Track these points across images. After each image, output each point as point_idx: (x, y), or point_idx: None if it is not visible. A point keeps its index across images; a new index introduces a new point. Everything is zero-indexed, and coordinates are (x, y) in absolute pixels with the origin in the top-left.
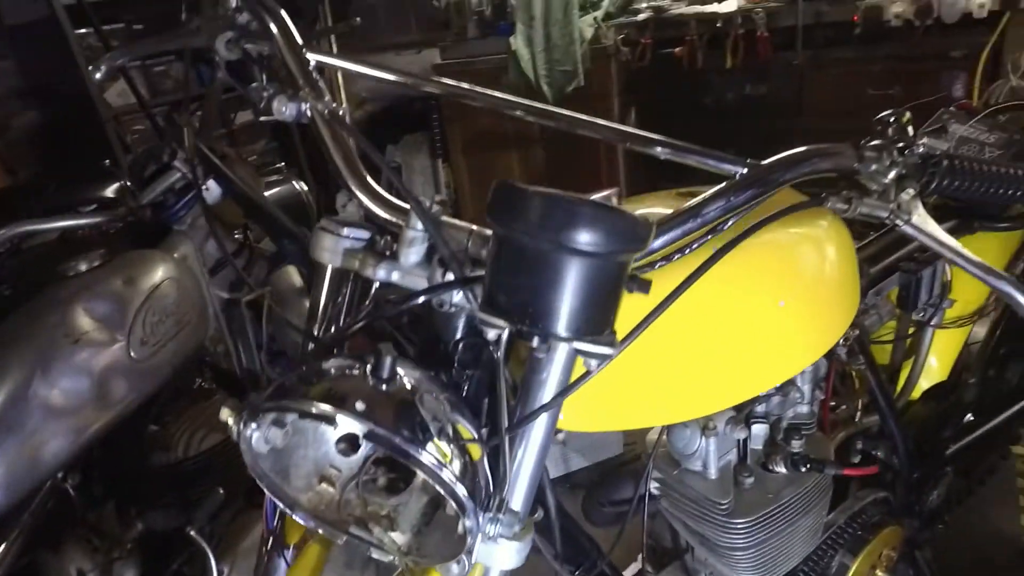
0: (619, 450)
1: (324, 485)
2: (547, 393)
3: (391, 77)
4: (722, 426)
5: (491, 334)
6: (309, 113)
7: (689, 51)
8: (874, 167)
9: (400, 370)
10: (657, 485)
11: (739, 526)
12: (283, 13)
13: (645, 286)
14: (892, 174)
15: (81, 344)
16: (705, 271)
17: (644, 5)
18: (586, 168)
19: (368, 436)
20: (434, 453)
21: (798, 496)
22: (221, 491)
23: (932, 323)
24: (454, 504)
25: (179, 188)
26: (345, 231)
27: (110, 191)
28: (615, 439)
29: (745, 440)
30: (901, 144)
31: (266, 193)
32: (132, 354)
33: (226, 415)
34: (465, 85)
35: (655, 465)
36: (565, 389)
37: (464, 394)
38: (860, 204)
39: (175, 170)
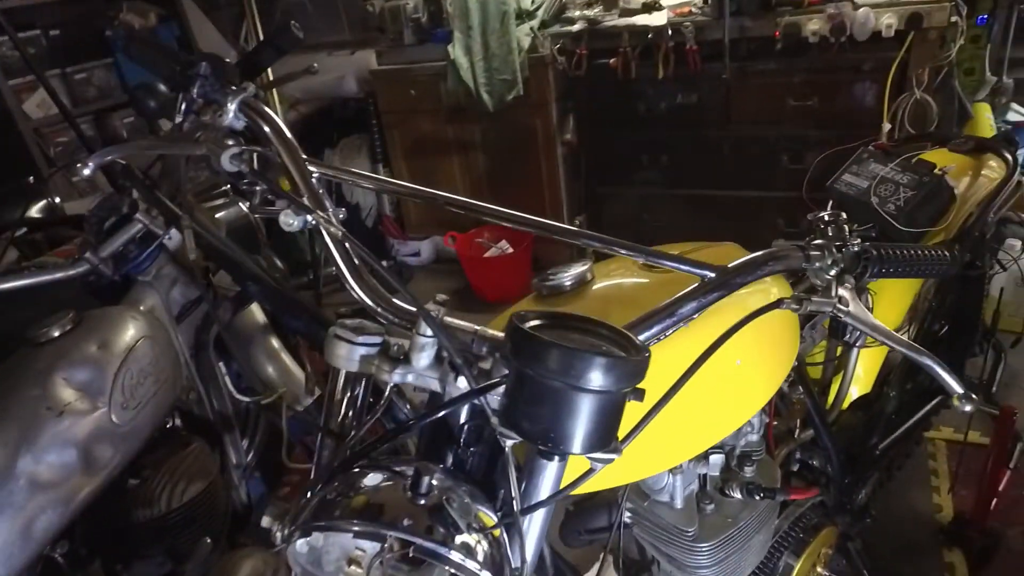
0: None
1: (352, 567)
2: (552, 478)
3: (395, 188)
4: (686, 464)
5: (508, 443)
6: (311, 223)
7: (623, 61)
8: (818, 264)
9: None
10: (629, 515)
11: (703, 549)
12: (281, 125)
13: (640, 395)
14: (834, 271)
15: (64, 416)
16: (694, 373)
17: (578, 15)
18: (526, 175)
19: (416, 550)
20: (463, 548)
21: (753, 518)
22: (208, 540)
23: (857, 344)
24: None
25: (140, 239)
26: (360, 339)
27: (35, 210)
28: None
29: (705, 472)
30: (839, 243)
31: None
32: (114, 419)
33: (268, 523)
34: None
35: (627, 498)
36: (575, 481)
37: (468, 467)
38: (809, 304)
39: (136, 222)
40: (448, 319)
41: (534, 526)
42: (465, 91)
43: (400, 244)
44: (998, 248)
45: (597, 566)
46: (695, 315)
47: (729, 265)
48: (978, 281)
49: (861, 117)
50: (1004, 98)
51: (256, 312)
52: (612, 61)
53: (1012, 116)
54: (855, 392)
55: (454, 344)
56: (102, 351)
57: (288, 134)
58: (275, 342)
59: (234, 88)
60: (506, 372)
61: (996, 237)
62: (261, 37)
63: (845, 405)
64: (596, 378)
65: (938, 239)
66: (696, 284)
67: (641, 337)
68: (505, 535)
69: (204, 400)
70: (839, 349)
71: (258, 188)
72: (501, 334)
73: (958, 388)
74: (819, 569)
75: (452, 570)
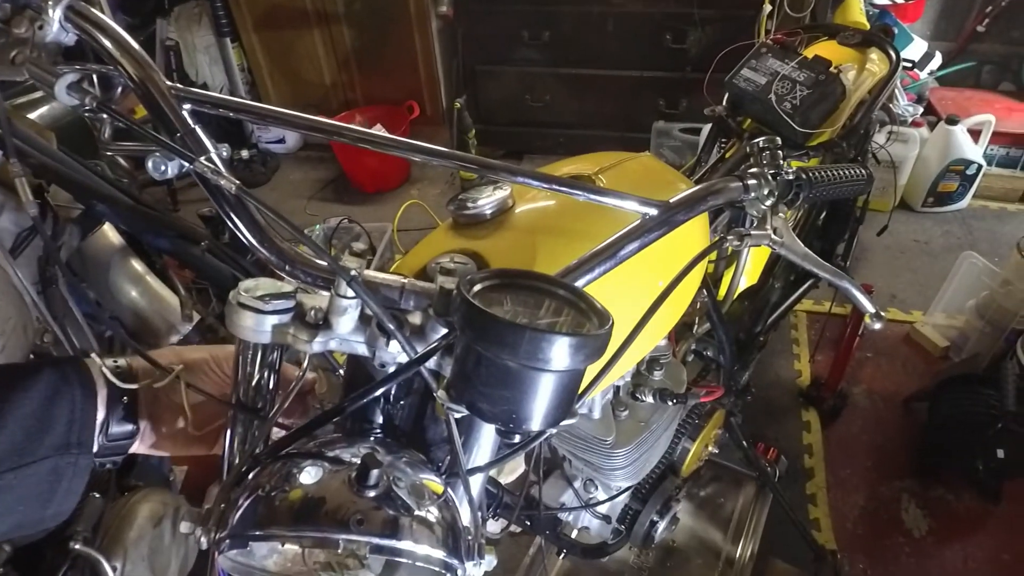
0: None
1: (287, 545)
2: (491, 434)
3: (294, 116)
4: None
5: (455, 415)
6: (190, 169)
7: None
8: (754, 195)
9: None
10: None
11: (619, 454)
12: (127, 37)
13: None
14: (770, 201)
15: None
16: (648, 320)
17: None
18: (399, 52)
19: (373, 550)
20: (421, 526)
21: (663, 419)
22: (98, 495)
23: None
24: (446, 572)
25: None
26: (269, 306)
27: None
28: None
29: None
30: (774, 171)
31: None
32: None
33: (188, 527)
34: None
35: None
36: (520, 446)
37: (398, 422)
38: (749, 239)
39: None
40: (369, 272)
41: (477, 481)
42: None
43: (262, 130)
44: (871, 138)
45: (518, 471)
46: (636, 253)
47: (671, 201)
48: None
49: None
50: None
51: (109, 232)
52: None
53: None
54: (743, 284)
55: (381, 304)
56: None
57: (139, 49)
58: (137, 265)
59: None
60: (443, 331)
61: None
62: None
63: (734, 296)
64: (564, 358)
65: (825, 136)
66: (636, 223)
67: (583, 280)
68: (453, 495)
69: (63, 340)
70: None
71: (107, 119)
72: (430, 285)
73: (871, 308)
74: (710, 448)
75: (416, 563)
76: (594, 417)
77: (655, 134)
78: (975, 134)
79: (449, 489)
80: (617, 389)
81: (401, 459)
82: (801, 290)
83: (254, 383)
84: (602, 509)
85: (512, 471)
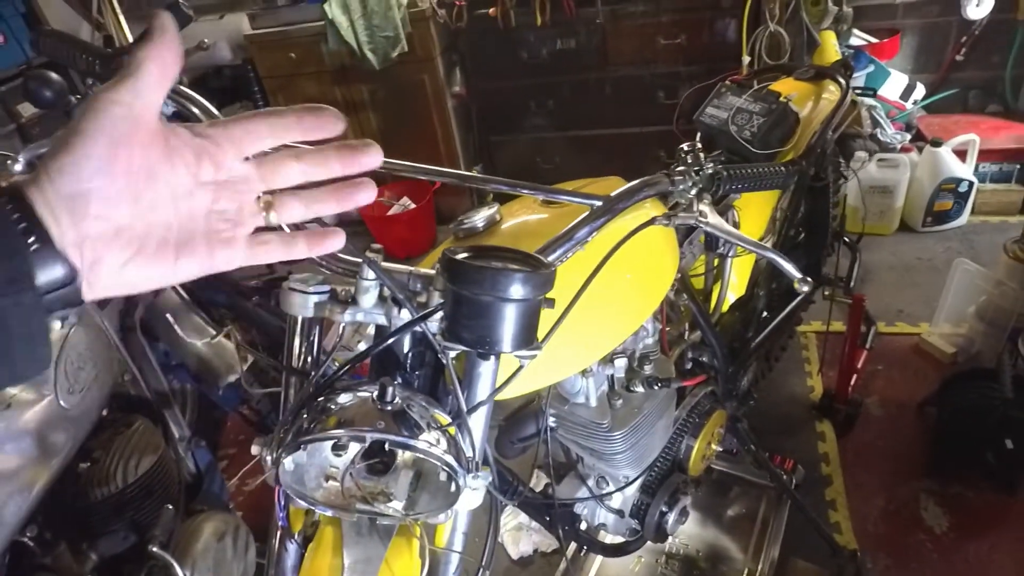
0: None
1: (330, 482)
2: (488, 379)
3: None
4: (596, 367)
5: (452, 353)
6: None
7: (502, 10)
8: (681, 186)
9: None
10: (553, 419)
11: (617, 437)
12: (212, 108)
13: (551, 303)
14: (693, 191)
15: (13, 407)
16: (592, 280)
17: None
18: (420, 130)
19: (392, 444)
20: (428, 440)
21: (654, 406)
22: (170, 507)
23: (730, 255)
24: (448, 471)
25: None
26: (312, 288)
27: None
28: None
29: (612, 373)
30: (696, 168)
31: None
32: (62, 403)
33: (257, 449)
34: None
35: (549, 405)
36: (509, 378)
37: (417, 387)
38: (676, 218)
39: None
40: (384, 263)
41: (479, 422)
42: (348, 51)
43: None
44: (839, 161)
45: (533, 464)
46: (589, 238)
47: (612, 194)
48: (823, 191)
49: (725, 51)
50: (845, 25)
51: (175, 290)
52: (491, 10)
53: (854, 40)
54: (732, 296)
55: (394, 283)
56: None
57: (216, 113)
58: (198, 318)
59: None
60: (440, 302)
61: (844, 152)
62: (116, 8)
63: (725, 308)
64: (516, 290)
65: (788, 157)
66: (587, 212)
67: (547, 259)
68: (458, 433)
69: (139, 380)
70: (716, 261)
71: None
72: (431, 271)
73: (796, 274)
74: (713, 446)
75: (422, 456)
76: (591, 405)
77: None
78: (962, 154)
79: (457, 429)
80: (613, 384)
81: (416, 396)
82: (794, 303)
83: (301, 350)
84: (615, 504)
85: (516, 541)
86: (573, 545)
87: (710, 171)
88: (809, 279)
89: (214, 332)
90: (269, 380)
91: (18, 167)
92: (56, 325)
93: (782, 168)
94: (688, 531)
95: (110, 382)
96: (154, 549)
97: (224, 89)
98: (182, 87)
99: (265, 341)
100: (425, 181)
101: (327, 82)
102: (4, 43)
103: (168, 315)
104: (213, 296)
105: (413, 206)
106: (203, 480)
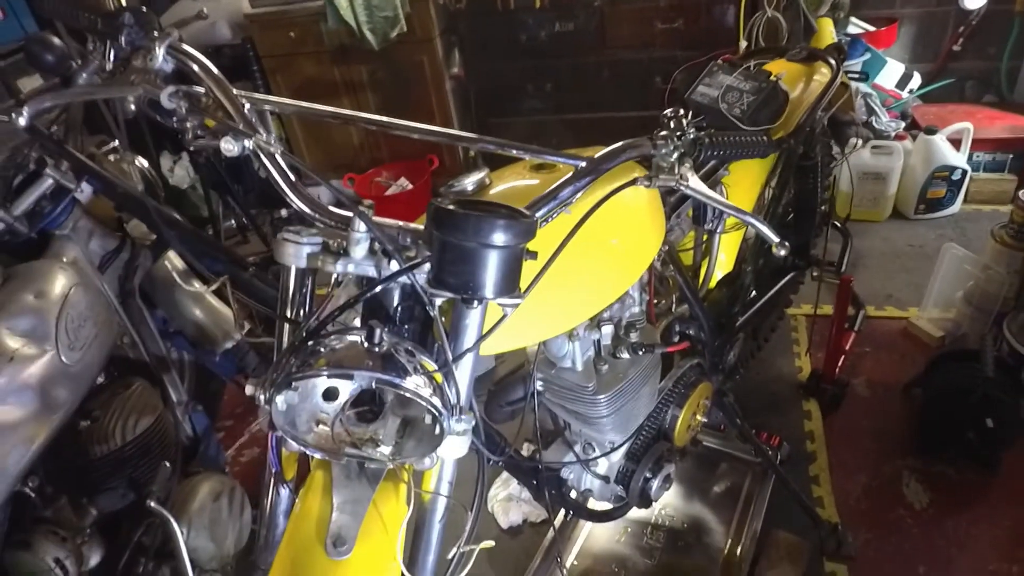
0: (492, 364)
1: (320, 427)
2: (474, 330)
3: (327, 111)
4: (582, 332)
5: (438, 301)
6: (251, 147)
7: None
8: (663, 151)
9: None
10: (541, 384)
11: (601, 400)
12: (208, 63)
13: (534, 255)
14: (675, 155)
15: (15, 361)
16: (574, 235)
17: None
18: (419, 111)
19: (378, 382)
20: (415, 384)
21: (638, 372)
22: (167, 464)
23: (718, 231)
24: (434, 412)
25: (51, 194)
26: (304, 239)
27: None
28: (487, 358)
29: (598, 339)
30: (679, 133)
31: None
32: (64, 359)
33: (251, 389)
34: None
35: (537, 369)
36: (494, 326)
37: (404, 332)
38: (657, 180)
39: (46, 177)
40: (375, 217)
41: (465, 370)
42: (347, 31)
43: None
44: (830, 143)
45: (519, 427)
46: (573, 198)
47: (596, 156)
48: (812, 170)
49: (722, 36)
50: (842, 12)
51: (173, 259)
52: None
53: (852, 28)
54: (720, 273)
55: (384, 235)
56: (40, 300)
57: (216, 71)
58: (197, 284)
59: (159, 34)
60: (428, 254)
61: (839, 138)
62: None
63: (713, 283)
64: (499, 237)
65: (777, 135)
66: (571, 172)
67: (536, 215)
68: (444, 380)
69: (138, 344)
70: (704, 236)
71: (189, 124)
72: (420, 226)
73: (774, 237)
74: (698, 417)
75: (408, 396)
76: (577, 369)
77: None
78: (956, 143)
79: (443, 376)
80: (599, 350)
81: (403, 342)
82: (783, 282)
83: (295, 299)
84: (600, 470)
85: (506, 511)
86: (561, 515)
87: (691, 136)
88: (787, 243)
89: (212, 299)
90: (265, 350)
91: (22, 120)
92: (60, 283)
93: (763, 137)
94: (674, 503)
95: (109, 343)
96: (152, 504)
97: (224, 68)
98: (182, 44)
99: (260, 312)
100: (423, 161)
101: (326, 62)
102: (3, 18)
103: (167, 281)
104: (212, 264)
105: (411, 186)
106: (200, 443)
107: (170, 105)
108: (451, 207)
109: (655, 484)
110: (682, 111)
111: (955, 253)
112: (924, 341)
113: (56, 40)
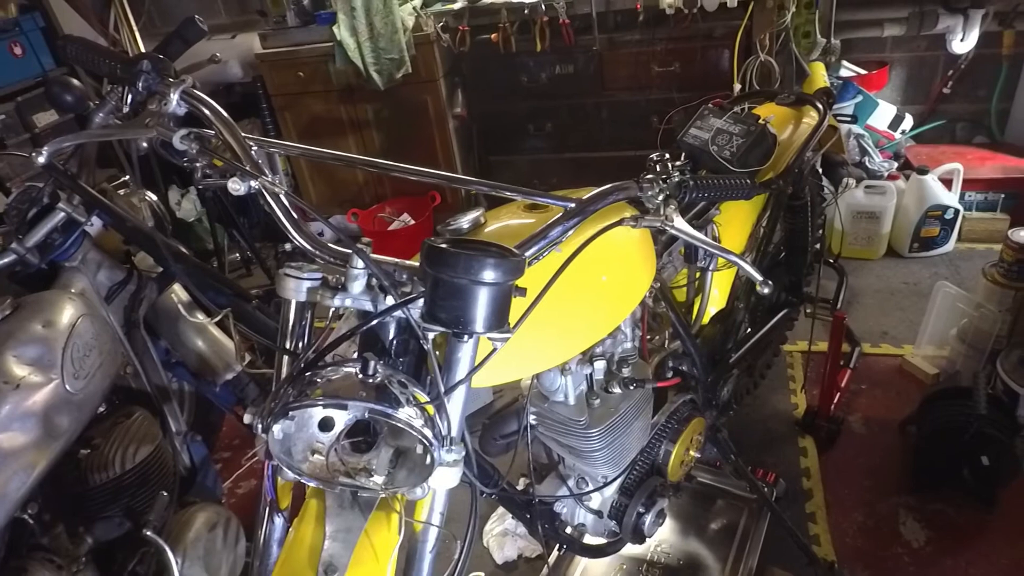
0: (490, 398)
1: (315, 456)
2: (466, 364)
3: (329, 154)
4: (574, 366)
5: (432, 334)
6: (257, 187)
7: (503, 36)
8: (649, 193)
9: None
10: (534, 417)
11: (593, 434)
12: (219, 108)
13: (523, 292)
14: (660, 197)
15: (21, 388)
16: (562, 272)
17: None
18: (422, 149)
19: (371, 413)
20: (407, 414)
21: (630, 406)
22: (165, 493)
23: (710, 268)
24: (425, 442)
25: (62, 226)
26: (305, 274)
27: None
28: (485, 392)
29: (591, 374)
30: (664, 176)
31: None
32: (68, 388)
33: (249, 418)
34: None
35: (530, 403)
36: (483, 360)
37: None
38: (643, 221)
39: (59, 211)
40: (372, 254)
41: (457, 402)
42: (354, 71)
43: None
44: (821, 184)
45: (511, 460)
46: (562, 238)
47: (584, 197)
48: (802, 209)
49: (716, 79)
50: (833, 56)
51: (178, 291)
52: (493, 36)
53: (844, 72)
54: (713, 309)
55: (381, 271)
56: (48, 329)
57: (225, 115)
58: (201, 316)
59: (173, 80)
60: (423, 290)
61: (832, 178)
62: (132, 24)
63: (706, 320)
64: (488, 274)
65: (767, 177)
66: (561, 213)
67: (527, 254)
68: (436, 412)
69: (141, 374)
70: (697, 274)
71: (199, 164)
72: (415, 263)
73: (757, 276)
74: (692, 452)
75: (401, 426)
76: (570, 403)
77: None
78: (949, 183)
79: (435, 408)
80: (591, 385)
81: (397, 374)
82: (775, 319)
83: (295, 331)
84: (594, 504)
85: (502, 546)
86: (556, 551)
87: (676, 179)
88: (770, 282)
89: (215, 331)
90: (265, 381)
91: (41, 159)
92: (67, 313)
93: (746, 180)
94: (670, 540)
95: (113, 372)
96: (148, 533)
97: (234, 105)
98: (194, 90)
99: (261, 344)
100: (425, 198)
101: (333, 101)
102: (23, 55)
103: (171, 313)
104: (215, 297)
105: (413, 222)
106: (197, 473)
107: (182, 147)
108: (443, 245)
109: (648, 519)
110: (668, 155)
111: (948, 291)
112: (919, 378)
113: (75, 82)
